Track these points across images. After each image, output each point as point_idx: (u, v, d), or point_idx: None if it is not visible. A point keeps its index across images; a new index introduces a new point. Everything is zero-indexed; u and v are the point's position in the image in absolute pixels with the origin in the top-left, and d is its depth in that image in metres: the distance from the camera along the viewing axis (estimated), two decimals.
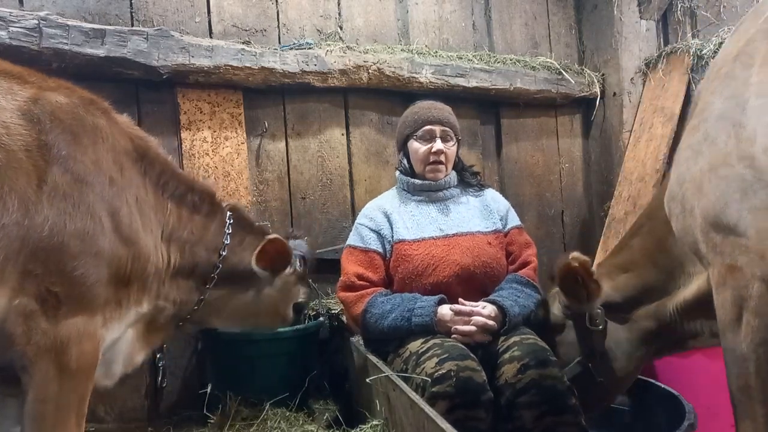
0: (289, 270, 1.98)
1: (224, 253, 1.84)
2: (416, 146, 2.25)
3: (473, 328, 1.94)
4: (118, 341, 1.64)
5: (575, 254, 1.94)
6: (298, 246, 2.12)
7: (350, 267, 2.18)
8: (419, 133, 2.24)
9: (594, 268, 1.91)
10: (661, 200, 1.62)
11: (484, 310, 1.98)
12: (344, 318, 2.53)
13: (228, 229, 1.87)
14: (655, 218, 1.74)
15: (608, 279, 1.90)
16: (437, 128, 2.23)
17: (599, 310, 1.86)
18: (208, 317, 1.93)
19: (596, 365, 1.88)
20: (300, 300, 2.15)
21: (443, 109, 2.30)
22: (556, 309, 2.05)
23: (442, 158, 2.22)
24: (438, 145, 2.21)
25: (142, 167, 1.71)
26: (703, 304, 1.60)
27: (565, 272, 1.87)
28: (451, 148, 2.25)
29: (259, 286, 1.94)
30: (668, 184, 1.49)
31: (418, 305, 2.00)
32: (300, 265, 2.06)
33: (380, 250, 2.18)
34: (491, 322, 1.96)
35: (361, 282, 2.14)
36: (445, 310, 1.99)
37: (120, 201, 1.54)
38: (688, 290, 1.67)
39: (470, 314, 1.97)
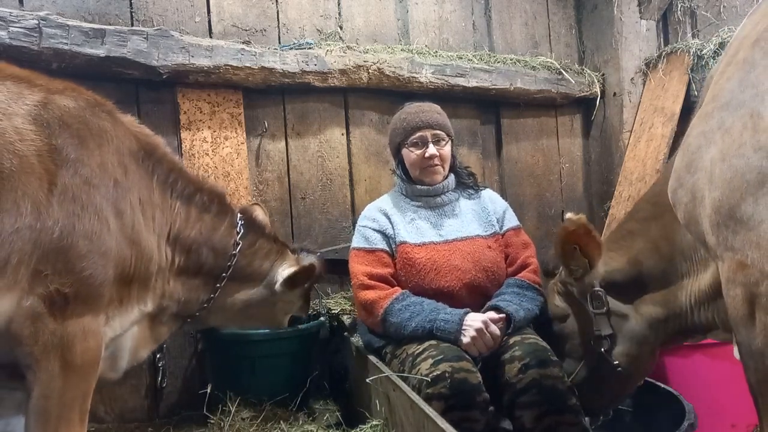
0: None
1: (235, 254, 1.85)
2: (409, 153, 2.21)
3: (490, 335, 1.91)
4: (122, 337, 1.65)
5: (570, 215, 1.78)
6: (310, 261, 2.10)
7: (358, 268, 2.14)
8: (410, 140, 2.20)
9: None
10: (664, 187, 1.55)
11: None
12: (344, 318, 2.54)
13: (239, 229, 1.88)
14: (659, 204, 1.68)
15: (611, 260, 1.83)
16: (428, 133, 2.19)
17: (600, 292, 1.78)
18: (207, 315, 1.92)
19: (604, 354, 1.78)
20: (298, 314, 2.17)
21: (431, 111, 2.24)
22: (557, 300, 2.00)
23: (437, 161, 2.19)
24: (431, 150, 2.17)
25: (149, 167, 1.72)
26: (715, 296, 1.56)
27: (563, 238, 1.77)
28: (444, 148, 2.22)
29: (264, 293, 1.95)
30: (674, 171, 1.41)
31: (442, 317, 1.95)
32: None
33: (387, 248, 2.16)
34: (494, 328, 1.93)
35: (371, 281, 2.10)
36: (476, 317, 1.93)
37: (124, 202, 1.56)
38: (702, 280, 1.62)
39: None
